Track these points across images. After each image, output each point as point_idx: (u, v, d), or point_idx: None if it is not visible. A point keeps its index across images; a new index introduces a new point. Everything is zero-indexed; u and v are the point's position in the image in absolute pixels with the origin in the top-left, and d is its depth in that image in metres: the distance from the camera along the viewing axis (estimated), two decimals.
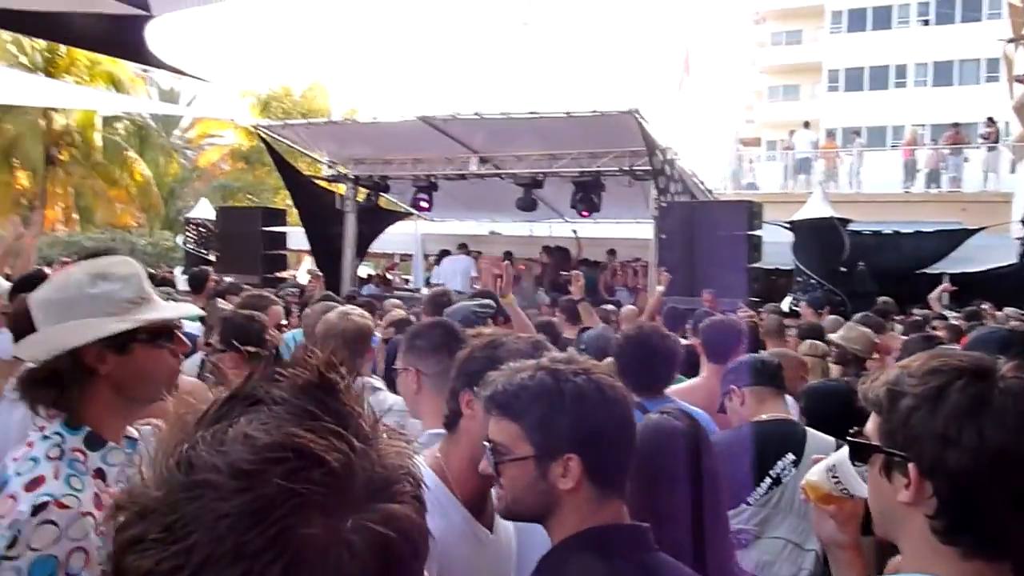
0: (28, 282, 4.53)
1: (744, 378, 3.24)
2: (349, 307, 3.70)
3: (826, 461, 1.52)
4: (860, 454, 1.32)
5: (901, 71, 36.94)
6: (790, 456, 2.95)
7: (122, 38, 5.63)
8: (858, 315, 6.28)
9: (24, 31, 11.31)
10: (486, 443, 1.58)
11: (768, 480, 2.94)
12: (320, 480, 0.63)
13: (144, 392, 1.76)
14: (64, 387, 1.69)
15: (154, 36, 5.59)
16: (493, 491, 1.77)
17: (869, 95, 36.64)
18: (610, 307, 8.56)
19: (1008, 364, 1.23)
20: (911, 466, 1.20)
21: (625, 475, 1.60)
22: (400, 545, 0.65)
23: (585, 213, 12.20)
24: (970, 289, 11.07)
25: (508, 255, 14.95)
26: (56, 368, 1.69)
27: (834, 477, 1.49)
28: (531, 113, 11.34)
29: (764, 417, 3.11)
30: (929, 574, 1.20)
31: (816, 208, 11.72)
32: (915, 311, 9.36)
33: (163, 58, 6.52)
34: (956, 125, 22.97)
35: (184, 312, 1.99)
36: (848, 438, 1.35)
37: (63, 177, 28.26)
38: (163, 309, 1.87)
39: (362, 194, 14.31)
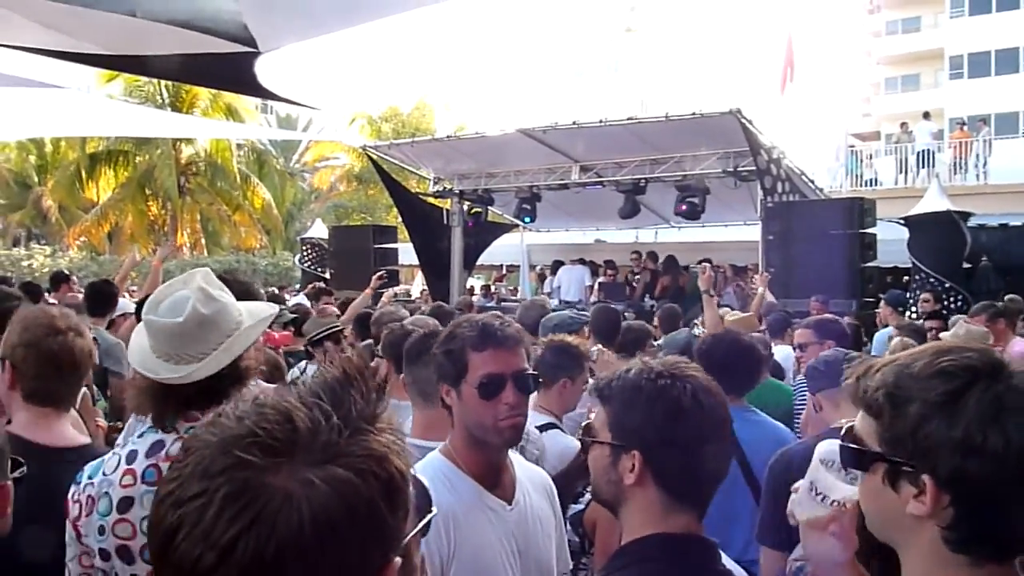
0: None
1: (816, 382, 3.02)
2: (421, 318, 3.77)
3: (803, 486, 1.42)
4: (859, 462, 1.22)
5: None
6: None
7: (235, 74, 5.95)
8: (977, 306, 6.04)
9: (146, 73, 12.10)
10: (584, 422, 1.72)
11: None
12: (282, 432, 0.76)
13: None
14: (225, 391, 1.94)
15: (267, 69, 5.90)
16: (514, 463, 2.11)
17: (996, 80, 34.57)
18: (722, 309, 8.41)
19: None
20: (927, 478, 1.11)
21: (701, 489, 1.58)
22: (333, 503, 0.73)
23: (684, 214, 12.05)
24: None
25: (610, 263, 14.92)
26: (220, 375, 1.95)
27: (817, 495, 1.39)
28: (629, 119, 11.32)
29: (842, 422, 2.96)
30: None
31: (933, 202, 11.15)
32: None
33: (278, 89, 6.87)
34: None
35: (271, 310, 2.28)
36: (843, 443, 1.26)
37: (191, 204, 30.02)
38: (260, 308, 2.22)
39: (468, 207, 14.60)
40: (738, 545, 2.81)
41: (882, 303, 8.81)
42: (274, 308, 2.28)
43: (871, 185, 22.45)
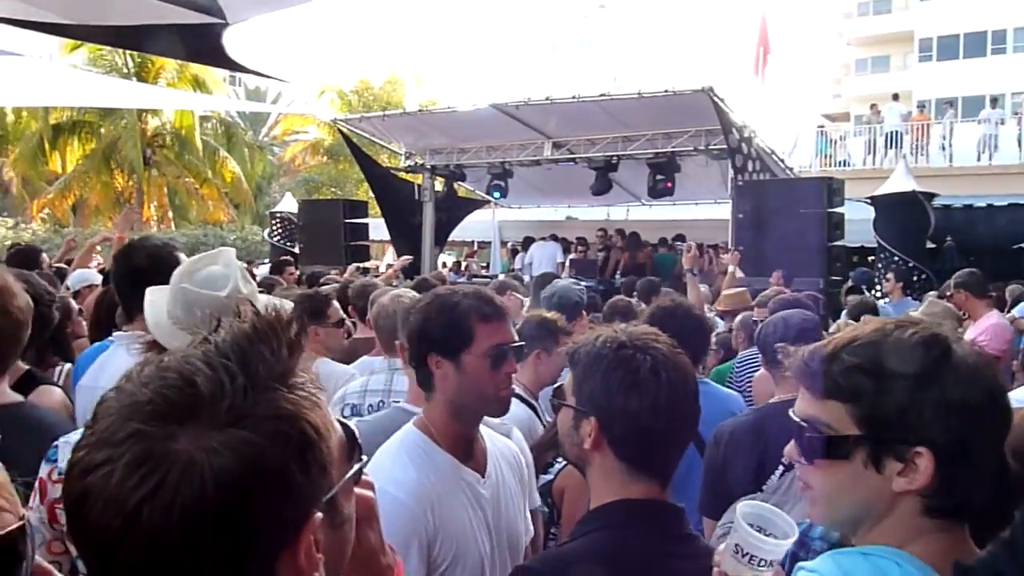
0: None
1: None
2: (402, 290, 3.78)
3: (727, 547, 1.34)
4: (837, 451, 1.17)
5: (999, 37, 35.16)
6: None
7: (202, 46, 5.83)
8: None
9: (110, 43, 11.84)
10: (556, 385, 1.76)
11: (781, 467, 2.77)
12: (183, 397, 0.74)
13: None
14: None
15: (234, 41, 5.78)
16: (484, 436, 2.10)
17: (964, 63, 35.01)
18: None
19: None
20: (922, 450, 1.12)
21: (660, 459, 1.61)
22: (237, 467, 0.72)
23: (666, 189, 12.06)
24: None
25: (581, 240, 14.95)
26: None
27: (744, 555, 1.32)
28: (602, 95, 11.31)
29: (776, 399, 2.98)
30: (906, 551, 1.14)
31: (899, 183, 11.30)
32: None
33: (245, 60, 6.74)
34: None
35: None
36: (809, 436, 1.21)
37: (157, 177, 29.53)
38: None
39: (440, 183, 14.53)
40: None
41: (849, 282, 8.94)
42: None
43: (841, 165, 22.69)
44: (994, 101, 22.72)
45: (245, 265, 2.06)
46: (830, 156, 23.56)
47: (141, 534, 0.70)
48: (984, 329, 5.62)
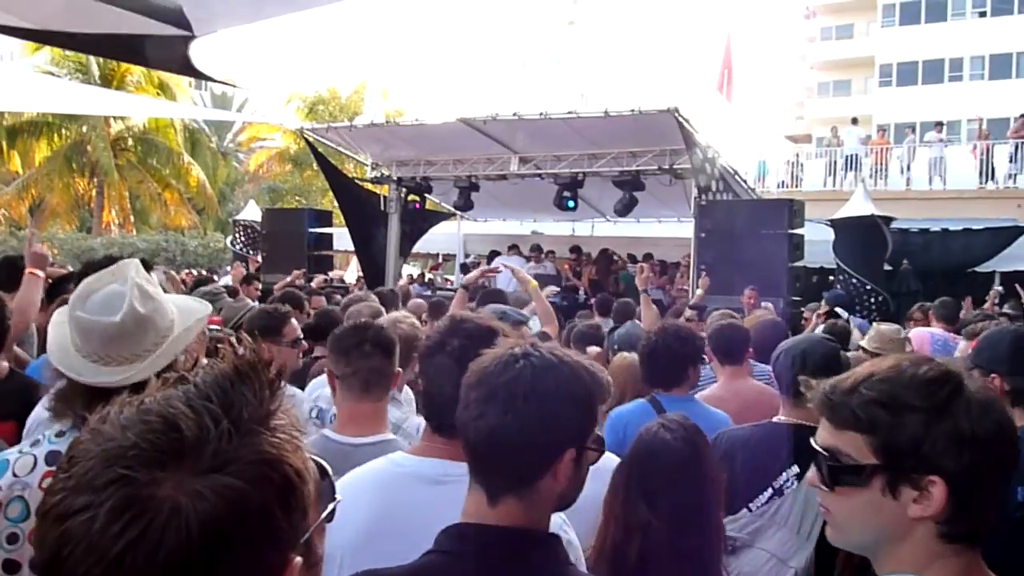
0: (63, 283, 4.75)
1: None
2: (402, 314, 3.58)
3: None
4: (855, 478, 1.25)
5: (956, 64, 36.02)
6: (795, 469, 2.78)
7: (167, 55, 5.77)
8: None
9: (73, 48, 11.66)
10: None
11: (770, 491, 2.78)
12: (167, 442, 0.73)
13: None
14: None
15: (201, 49, 5.73)
16: None
17: (923, 89, 35.78)
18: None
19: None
20: (935, 479, 1.18)
21: (473, 453, 1.42)
22: (223, 513, 0.72)
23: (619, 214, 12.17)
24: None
25: (536, 247, 14.99)
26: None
27: None
28: (569, 113, 11.37)
29: (781, 419, 2.96)
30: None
31: (858, 206, 11.53)
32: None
33: (212, 67, 6.68)
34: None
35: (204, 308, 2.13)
36: (831, 464, 1.27)
37: (118, 181, 29.09)
38: (191, 305, 2.07)
39: (413, 197, 14.47)
40: None
41: (823, 303, 9.04)
42: (207, 307, 2.11)
43: (800, 187, 23.04)
44: (939, 125, 23.17)
45: (157, 278, 1.96)
46: (793, 176, 23.96)
47: None
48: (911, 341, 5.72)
